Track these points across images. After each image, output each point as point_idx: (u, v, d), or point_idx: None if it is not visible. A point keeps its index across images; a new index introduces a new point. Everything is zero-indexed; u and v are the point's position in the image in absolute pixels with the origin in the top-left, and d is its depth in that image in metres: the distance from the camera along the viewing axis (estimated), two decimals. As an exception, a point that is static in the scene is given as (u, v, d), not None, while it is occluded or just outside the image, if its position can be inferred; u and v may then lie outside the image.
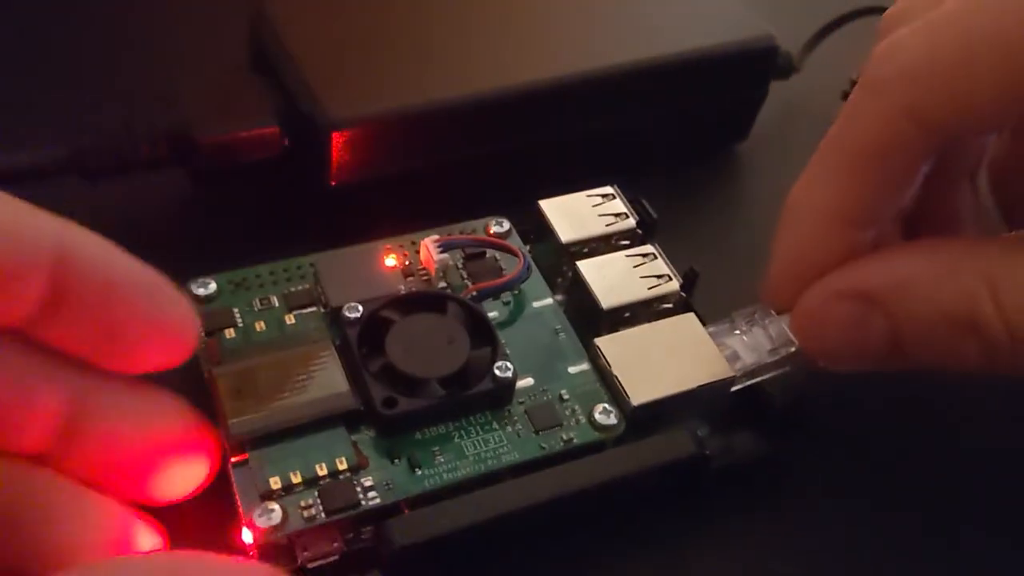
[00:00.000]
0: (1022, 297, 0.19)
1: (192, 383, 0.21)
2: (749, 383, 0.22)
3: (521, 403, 0.21)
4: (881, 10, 0.33)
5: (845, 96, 0.32)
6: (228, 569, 0.14)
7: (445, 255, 0.22)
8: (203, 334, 0.21)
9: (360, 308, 0.21)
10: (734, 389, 0.21)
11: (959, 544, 0.22)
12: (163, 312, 0.17)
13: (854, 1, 0.33)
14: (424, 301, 0.21)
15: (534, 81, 0.26)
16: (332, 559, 0.19)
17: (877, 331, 0.20)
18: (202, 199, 0.26)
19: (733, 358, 0.21)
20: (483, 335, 0.21)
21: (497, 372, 0.20)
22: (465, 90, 0.25)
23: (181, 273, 0.24)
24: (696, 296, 0.23)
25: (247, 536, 0.19)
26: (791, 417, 0.22)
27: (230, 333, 0.21)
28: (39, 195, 0.26)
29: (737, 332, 0.22)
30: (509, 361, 0.20)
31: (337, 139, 0.24)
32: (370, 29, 0.27)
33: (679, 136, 0.30)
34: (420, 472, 0.19)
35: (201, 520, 0.20)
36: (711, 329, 0.22)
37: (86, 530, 0.17)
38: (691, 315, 0.22)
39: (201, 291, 0.21)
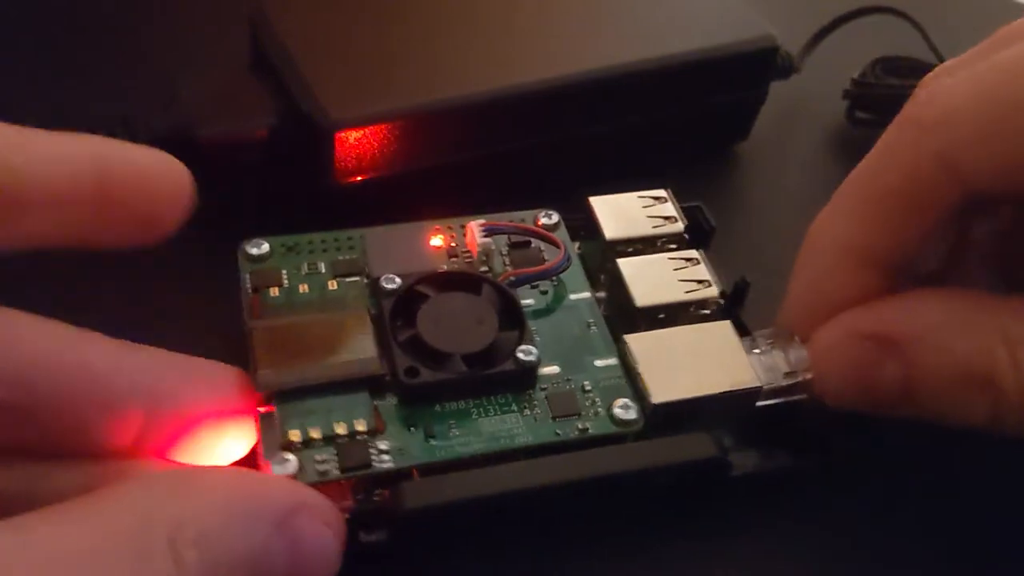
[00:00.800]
0: None
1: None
2: (774, 402, 0.21)
3: (544, 389, 0.21)
4: (880, 10, 0.33)
5: (845, 95, 0.32)
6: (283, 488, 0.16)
7: (488, 239, 0.23)
8: (249, 290, 0.22)
9: (397, 280, 0.21)
10: (760, 404, 0.21)
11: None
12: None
13: (854, 1, 0.33)
14: (460, 281, 0.22)
15: (533, 82, 0.26)
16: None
17: (890, 377, 0.19)
18: (202, 199, 0.27)
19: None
20: (513, 319, 0.21)
21: (520, 355, 0.20)
22: (466, 90, 0.25)
23: (181, 273, 0.24)
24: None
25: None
26: (816, 439, 0.22)
27: (274, 292, 0.22)
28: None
29: (756, 351, 0.22)
30: (534, 346, 0.21)
31: (340, 139, 0.24)
32: (370, 29, 0.27)
33: (679, 136, 0.30)
34: (433, 442, 0.20)
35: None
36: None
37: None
38: (727, 323, 0.22)
39: (254, 250, 0.22)
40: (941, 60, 0.30)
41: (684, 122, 0.29)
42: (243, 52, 0.27)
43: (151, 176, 0.18)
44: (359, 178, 0.25)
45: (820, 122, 0.33)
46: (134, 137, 0.24)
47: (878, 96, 0.31)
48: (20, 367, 0.17)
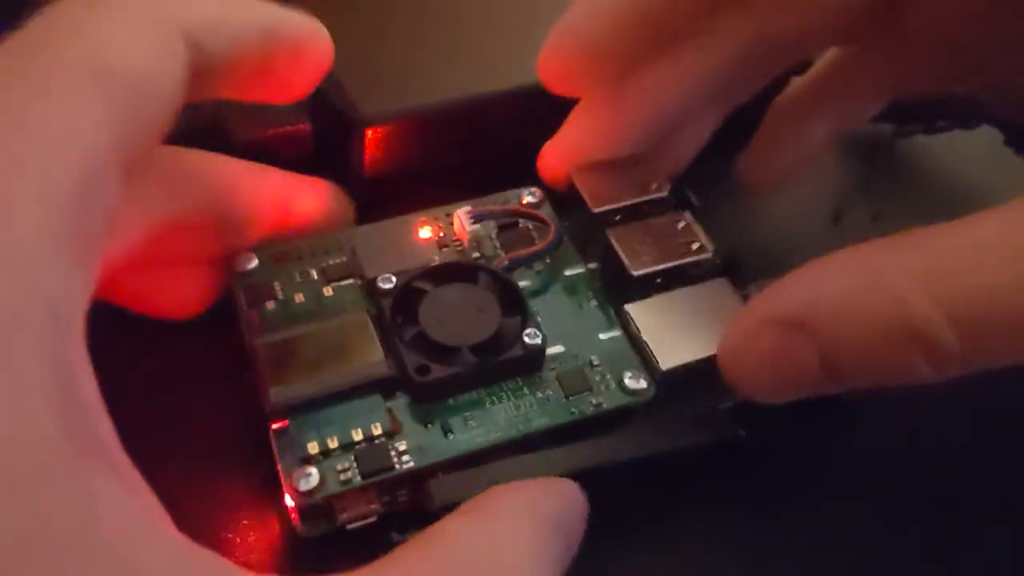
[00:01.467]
0: (964, 280, 0.16)
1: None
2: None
3: (552, 369, 0.21)
4: None
5: None
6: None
7: (477, 226, 0.23)
8: (245, 307, 0.22)
9: (394, 279, 0.21)
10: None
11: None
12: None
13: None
14: (455, 271, 0.22)
15: None
16: (371, 520, 0.19)
17: (806, 358, 0.18)
18: None
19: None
20: (513, 304, 0.21)
21: (527, 339, 0.20)
22: (498, 86, 0.25)
23: None
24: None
25: (288, 500, 0.19)
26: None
27: (270, 305, 0.22)
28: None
29: None
30: (539, 328, 0.21)
31: (370, 135, 0.24)
32: (399, 24, 0.27)
33: None
34: (452, 436, 0.20)
35: (247, 486, 0.21)
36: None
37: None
38: (723, 279, 0.22)
39: (245, 266, 0.22)
40: None
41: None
42: None
43: (303, 42, 0.20)
44: (389, 174, 0.25)
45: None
46: (168, 136, 0.25)
47: None
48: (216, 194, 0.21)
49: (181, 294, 0.23)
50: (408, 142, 0.25)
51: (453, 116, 0.25)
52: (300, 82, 0.21)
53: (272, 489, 0.20)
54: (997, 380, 0.18)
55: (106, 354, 0.15)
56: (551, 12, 0.28)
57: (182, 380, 0.23)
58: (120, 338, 0.21)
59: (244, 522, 0.21)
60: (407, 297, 0.21)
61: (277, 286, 0.22)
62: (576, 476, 0.19)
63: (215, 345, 0.22)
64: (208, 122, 0.25)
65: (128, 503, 0.13)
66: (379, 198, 0.25)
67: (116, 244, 0.19)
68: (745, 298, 0.22)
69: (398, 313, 0.21)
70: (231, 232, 0.22)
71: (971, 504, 0.22)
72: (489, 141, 0.26)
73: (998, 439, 0.23)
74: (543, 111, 0.26)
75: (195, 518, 0.16)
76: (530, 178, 0.25)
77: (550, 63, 0.23)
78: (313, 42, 0.20)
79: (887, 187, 0.30)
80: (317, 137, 0.25)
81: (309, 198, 0.23)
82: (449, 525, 0.17)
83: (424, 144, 0.25)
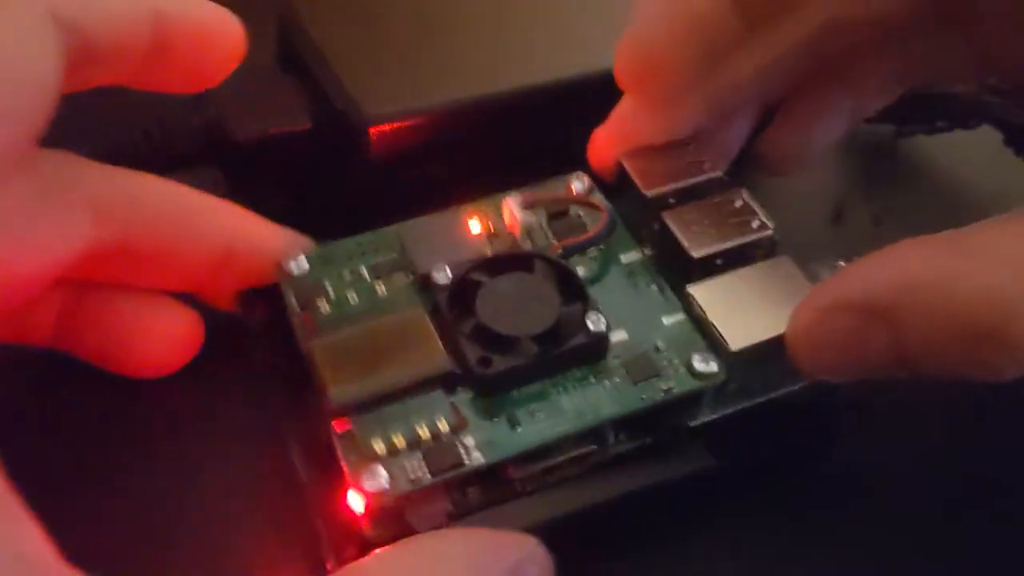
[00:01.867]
0: None
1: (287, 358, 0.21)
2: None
3: (617, 357, 0.20)
4: None
5: None
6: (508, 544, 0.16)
7: (529, 214, 0.22)
8: (298, 310, 0.21)
9: (449, 271, 0.21)
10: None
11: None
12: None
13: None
14: (511, 261, 0.21)
15: (562, 77, 0.26)
16: (441, 521, 0.19)
17: (880, 344, 0.17)
18: (237, 196, 0.26)
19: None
20: (572, 291, 0.21)
21: (590, 325, 0.20)
22: (501, 86, 0.25)
23: None
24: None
25: (356, 503, 0.19)
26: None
27: (323, 306, 0.21)
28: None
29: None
30: (601, 314, 0.20)
31: (374, 135, 0.24)
32: (400, 24, 0.27)
33: None
34: (520, 429, 0.19)
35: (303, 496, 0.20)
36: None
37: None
38: (786, 257, 0.22)
39: (295, 269, 0.22)
40: None
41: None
42: (270, 50, 0.27)
43: (204, 30, 0.19)
44: (393, 173, 0.25)
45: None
46: (170, 138, 0.25)
47: None
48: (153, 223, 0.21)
49: (150, 349, 0.22)
50: (411, 141, 0.25)
51: (456, 115, 0.25)
52: (205, 72, 0.20)
53: (334, 497, 0.19)
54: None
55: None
56: (552, 11, 0.28)
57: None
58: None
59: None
60: (463, 289, 0.21)
61: (328, 286, 0.22)
62: (552, 524, 0.19)
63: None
64: (208, 122, 0.25)
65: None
66: (383, 201, 0.25)
67: (33, 264, 0.19)
68: (812, 277, 0.21)
69: (455, 306, 0.20)
70: (173, 267, 0.21)
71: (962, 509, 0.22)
72: (495, 142, 0.26)
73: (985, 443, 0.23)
74: (548, 109, 0.26)
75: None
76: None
77: (630, 65, 0.22)
78: (220, 30, 0.20)
79: (887, 187, 0.30)
80: (317, 137, 0.25)
81: (258, 242, 0.22)
82: (371, 566, 0.16)
83: (427, 143, 0.25)
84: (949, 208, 0.30)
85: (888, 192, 0.30)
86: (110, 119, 0.25)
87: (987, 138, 0.30)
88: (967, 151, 0.31)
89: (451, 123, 0.25)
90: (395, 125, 0.24)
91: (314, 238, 0.23)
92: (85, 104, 0.30)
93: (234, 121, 0.24)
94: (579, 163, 0.24)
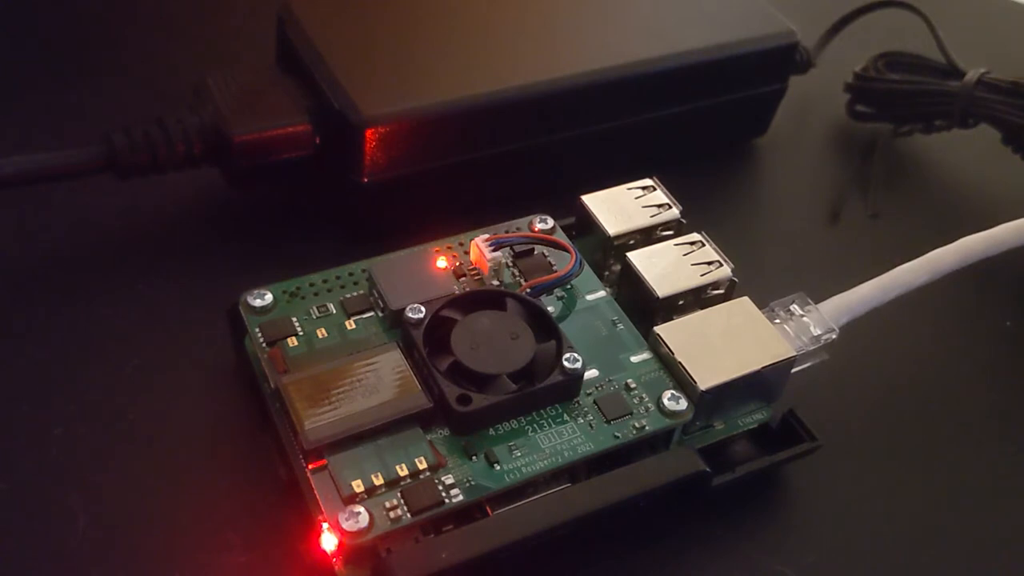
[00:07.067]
0: None
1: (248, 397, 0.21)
2: (806, 366, 0.22)
3: (589, 394, 0.21)
4: (893, 3, 0.34)
5: (847, 88, 0.33)
6: None
7: (497, 253, 0.22)
8: (265, 345, 0.21)
9: (423, 309, 0.21)
10: (794, 371, 0.22)
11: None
12: None
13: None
14: (484, 299, 0.21)
15: (560, 78, 0.27)
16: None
17: None
18: (235, 196, 0.27)
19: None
20: (545, 329, 0.21)
21: (566, 364, 0.20)
22: (497, 86, 0.26)
23: (216, 269, 0.25)
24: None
25: (328, 543, 0.18)
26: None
27: (292, 342, 0.21)
28: (75, 193, 0.27)
29: (777, 321, 0.22)
30: (576, 352, 0.20)
31: (370, 136, 0.24)
32: (398, 25, 0.27)
33: (700, 131, 0.30)
34: (499, 467, 0.19)
35: (273, 530, 0.20)
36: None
37: None
38: (746, 299, 0.22)
39: (257, 302, 0.21)
40: (947, 56, 0.31)
41: (705, 117, 0.30)
42: (270, 51, 0.28)
43: None
44: (389, 174, 0.25)
45: (835, 116, 0.33)
46: (170, 138, 0.24)
47: (879, 90, 0.32)
48: None
49: None
50: (410, 144, 0.25)
51: (453, 117, 0.25)
52: None
53: (303, 536, 0.19)
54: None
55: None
56: (549, 12, 0.29)
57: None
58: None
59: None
60: (437, 326, 0.21)
61: (295, 321, 0.21)
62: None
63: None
64: (208, 122, 0.25)
65: None
66: (378, 203, 0.25)
67: None
68: (771, 316, 0.22)
69: (429, 343, 0.20)
70: None
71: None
72: (492, 143, 0.26)
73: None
74: (542, 113, 0.27)
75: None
76: (529, 186, 0.25)
77: None
78: None
79: (886, 187, 0.31)
80: (317, 137, 0.25)
81: None
82: None
83: (426, 146, 0.25)
84: (947, 207, 0.30)
85: (887, 191, 0.31)
86: (110, 120, 0.25)
87: (985, 137, 0.31)
88: (965, 150, 0.32)
89: (449, 125, 0.25)
90: (392, 126, 0.24)
91: (309, 240, 0.23)
92: (85, 105, 0.29)
93: (232, 122, 0.24)
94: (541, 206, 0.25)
